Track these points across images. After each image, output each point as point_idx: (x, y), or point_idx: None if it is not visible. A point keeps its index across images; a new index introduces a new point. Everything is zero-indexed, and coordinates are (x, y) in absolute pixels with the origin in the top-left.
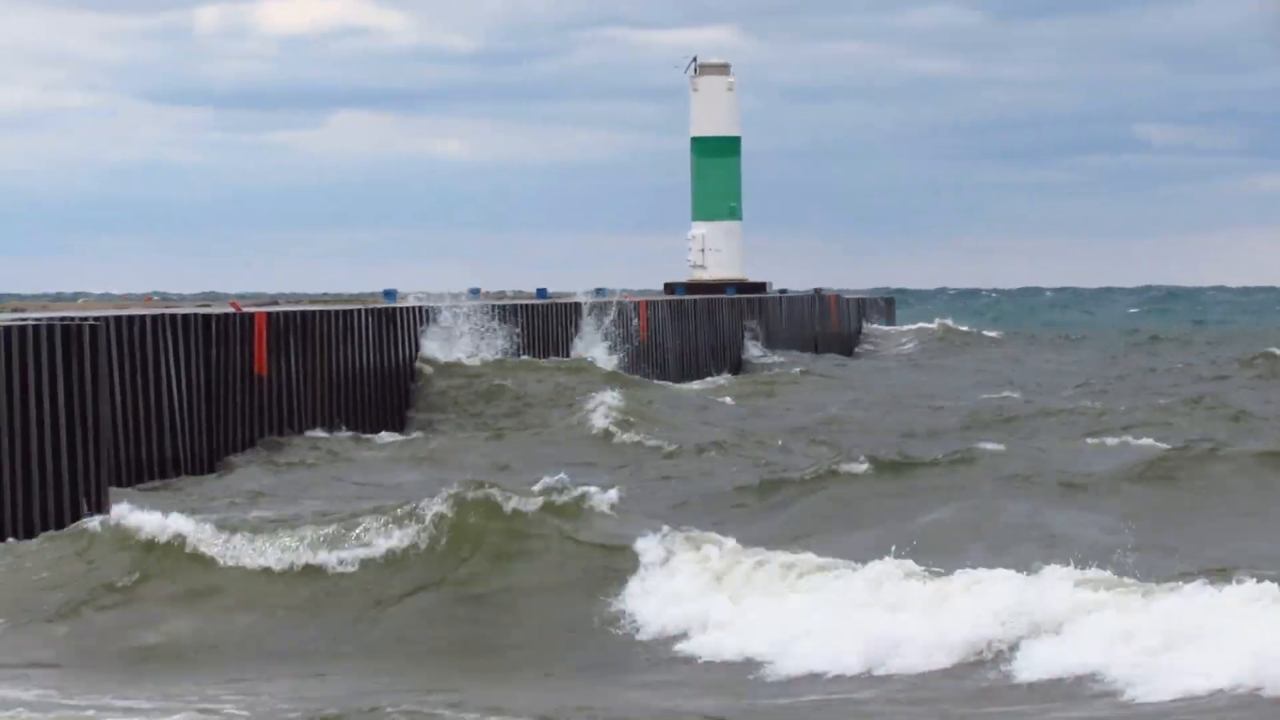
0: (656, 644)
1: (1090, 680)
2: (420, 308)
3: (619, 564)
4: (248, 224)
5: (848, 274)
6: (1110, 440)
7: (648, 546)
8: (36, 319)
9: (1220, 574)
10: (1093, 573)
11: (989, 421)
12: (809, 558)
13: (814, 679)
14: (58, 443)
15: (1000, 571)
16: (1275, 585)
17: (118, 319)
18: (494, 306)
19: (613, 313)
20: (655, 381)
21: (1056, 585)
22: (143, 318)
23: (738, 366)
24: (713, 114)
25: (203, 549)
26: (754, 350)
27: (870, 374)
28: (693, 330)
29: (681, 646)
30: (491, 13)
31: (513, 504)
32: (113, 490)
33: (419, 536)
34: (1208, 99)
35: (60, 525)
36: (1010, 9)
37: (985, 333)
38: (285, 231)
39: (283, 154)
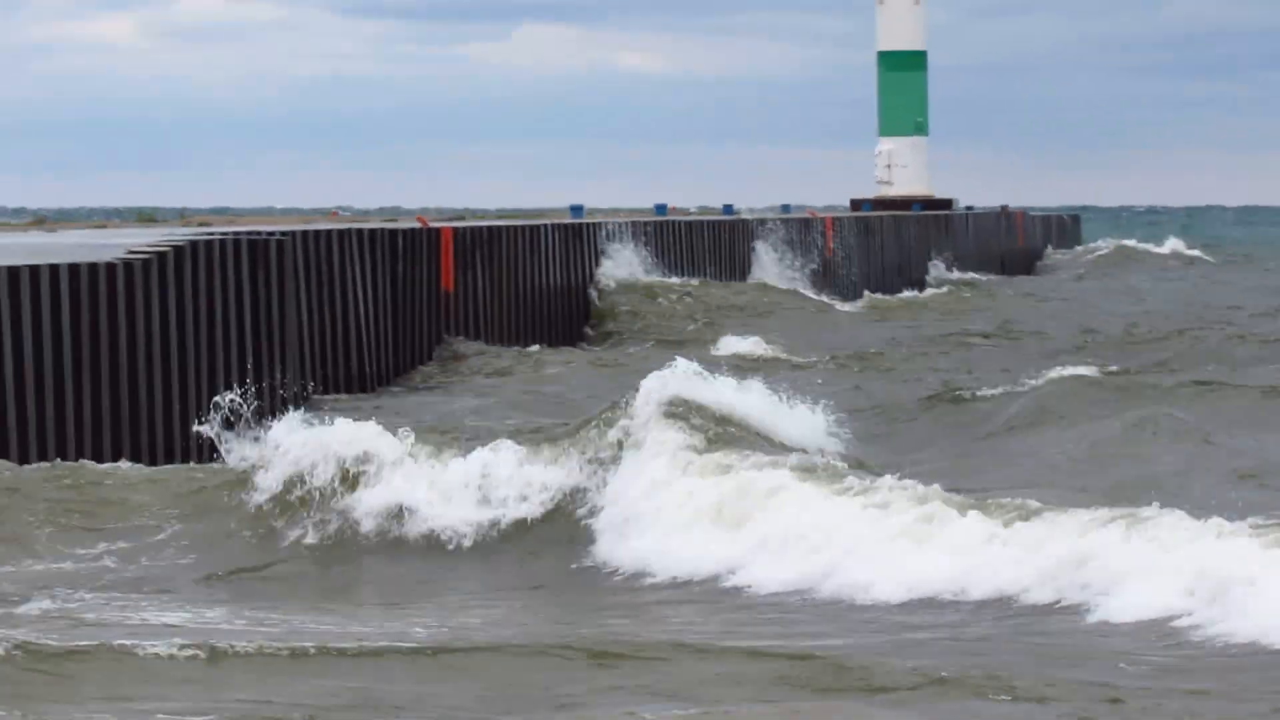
0: None
1: None
2: (600, 225)
3: None
4: (432, 138)
5: (1033, 191)
6: None
7: None
8: (224, 233)
9: None
10: None
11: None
12: None
13: None
14: (244, 358)
15: None
16: None
17: (304, 234)
18: (680, 224)
19: (797, 230)
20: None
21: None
22: (329, 232)
23: (923, 285)
24: (899, 28)
25: None
26: (940, 269)
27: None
28: (879, 247)
29: None
30: None
31: None
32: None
33: None
34: None
35: None
36: None
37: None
38: (470, 145)
39: (468, 67)
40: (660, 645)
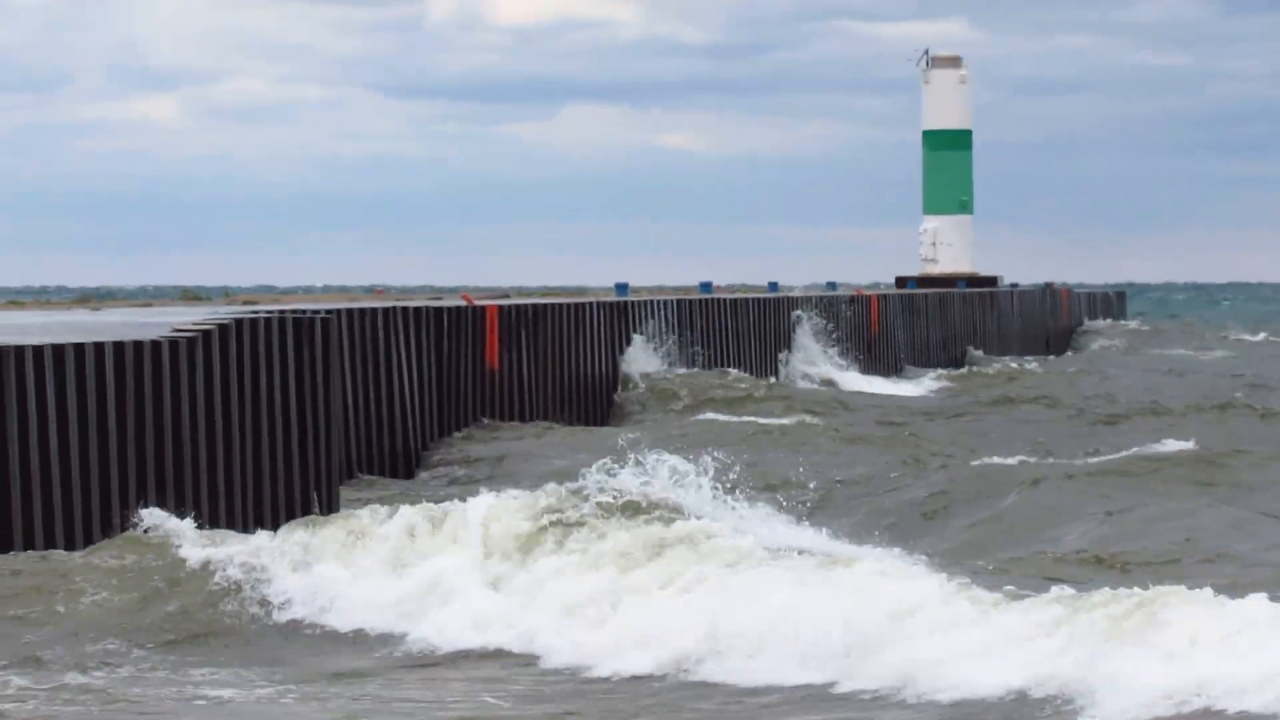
0: None
1: None
2: (643, 304)
3: None
4: (476, 217)
5: (1077, 268)
6: None
7: None
8: (269, 312)
9: None
10: None
11: None
12: None
13: None
14: (289, 437)
15: None
16: None
17: (349, 311)
18: (725, 301)
19: (844, 307)
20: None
21: None
22: (374, 310)
23: (959, 361)
24: (945, 107)
25: None
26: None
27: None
28: (924, 325)
29: None
30: (721, 5)
31: None
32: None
33: None
34: None
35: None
36: (1236, 3)
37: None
38: (515, 224)
39: (513, 146)
40: None
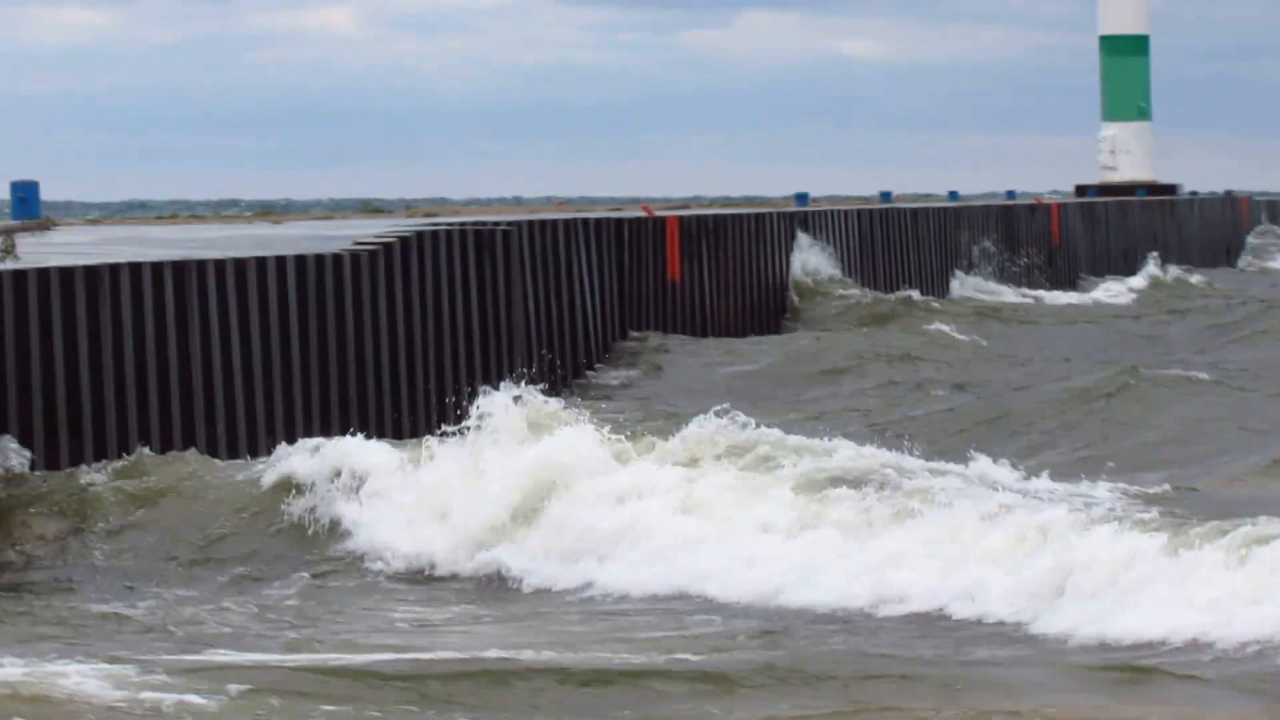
0: None
1: None
2: (814, 214)
3: None
4: (655, 126)
5: (1259, 176)
6: None
7: None
8: (449, 224)
9: None
10: None
11: None
12: None
13: None
14: (470, 348)
15: None
16: None
17: (530, 223)
18: (904, 212)
19: (1023, 217)
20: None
21: None
22: (555, 222)
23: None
24: (1121, 12)
25: None
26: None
27: None
28: (1104, 234)
29: None
30: None
31: None
32: None
33: None
34: None
35: None
36: None
37: None
38: (693, 134)
39: (690, 54)
40: None
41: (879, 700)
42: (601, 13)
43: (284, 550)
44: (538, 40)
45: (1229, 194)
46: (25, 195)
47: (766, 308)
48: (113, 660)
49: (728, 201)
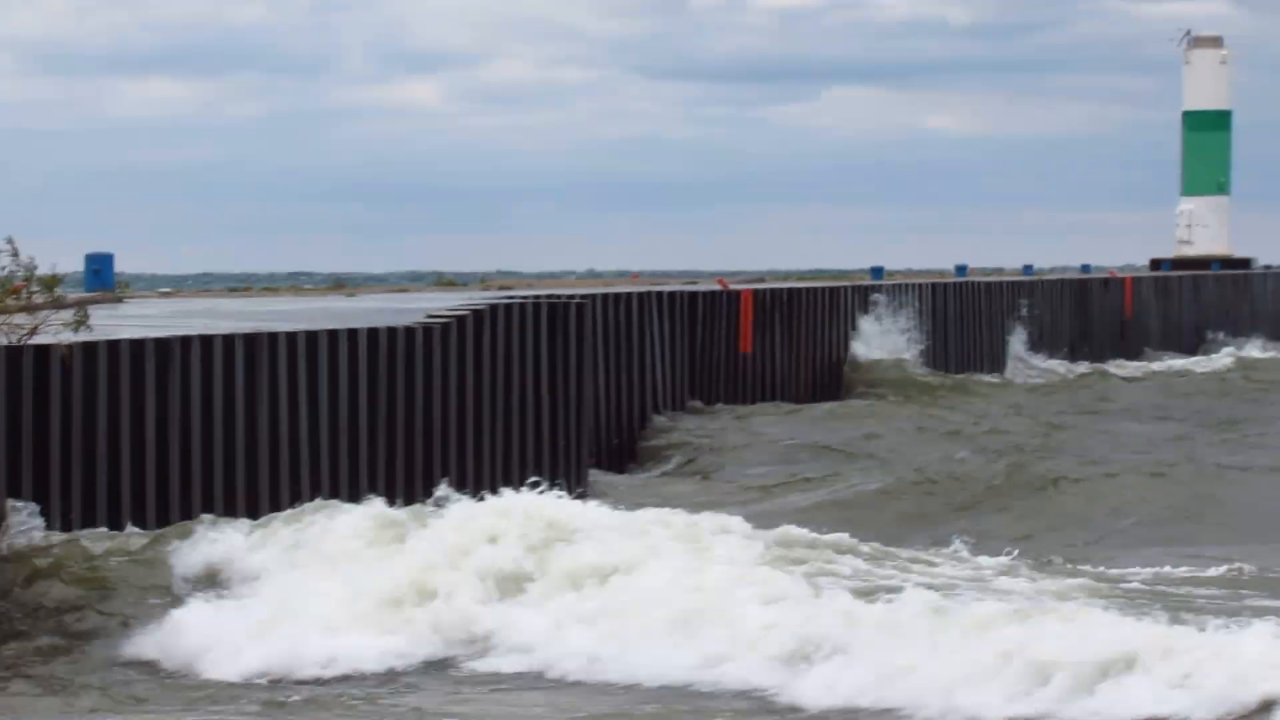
0: None
1: None
2: (885, 287)
3: None
4: (736, 199)
5: None
6: None
7: None
8: (523, 297)
9: None
10: None
11: None
12: None
13: None
14: (539, 422)
15: None
16: None
17: (604, 297)
18: (977, 285)
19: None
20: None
21: None
22: (628, 295)
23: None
24: (1204, 87)
25: None
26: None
27: None
28: (1178, 309)
29: None
30: None
31: None
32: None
33: None
34: None
35: None
36: None
37: None
38: (774, 207)
39: (776, 129)
40: None
41: None
42: (691, 87)
43: None
44: (623, 114)
45: None
46: (99, 267)
47: (831, 376)
48: None
49: (802, 276)
